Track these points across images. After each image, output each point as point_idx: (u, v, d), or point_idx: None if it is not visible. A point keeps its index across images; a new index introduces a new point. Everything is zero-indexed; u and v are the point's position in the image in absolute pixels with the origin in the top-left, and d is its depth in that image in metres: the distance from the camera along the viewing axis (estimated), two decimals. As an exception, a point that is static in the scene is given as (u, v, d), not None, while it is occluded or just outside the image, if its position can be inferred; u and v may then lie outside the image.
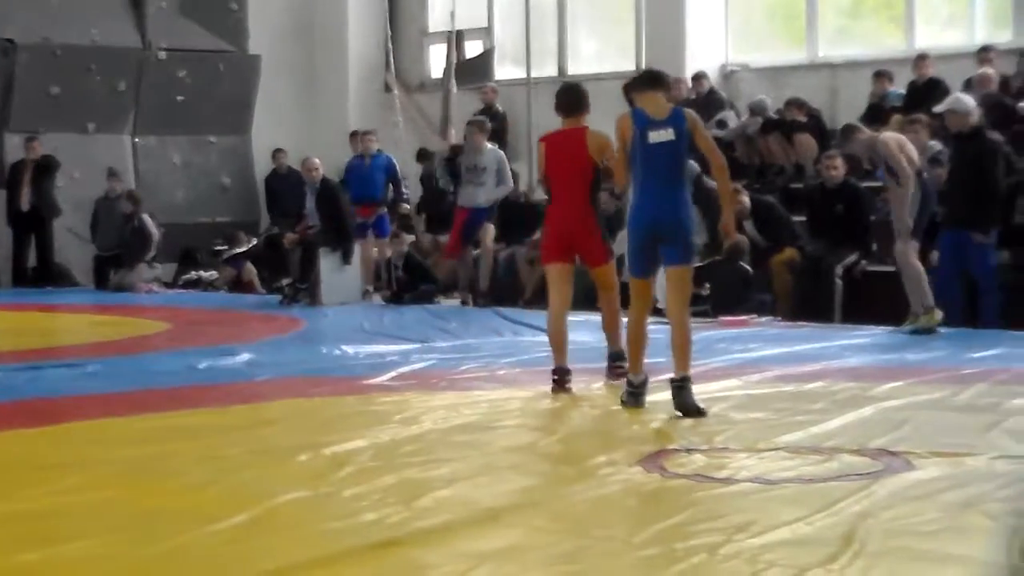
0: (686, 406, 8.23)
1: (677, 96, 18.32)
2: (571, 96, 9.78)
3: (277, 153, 21.99)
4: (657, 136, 8.59)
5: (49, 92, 21.10)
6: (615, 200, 12.06)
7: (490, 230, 16.40)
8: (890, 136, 12.41)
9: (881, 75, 16.64)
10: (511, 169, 16.62)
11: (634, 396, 8.60)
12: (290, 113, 23.34)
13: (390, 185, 17.89)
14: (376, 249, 17.63)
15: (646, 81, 8.91)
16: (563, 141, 9.70)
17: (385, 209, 17.75)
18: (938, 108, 13.23)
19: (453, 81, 20.36)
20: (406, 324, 14.13)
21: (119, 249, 20.29)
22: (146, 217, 20.06)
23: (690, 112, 8.83)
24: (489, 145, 15.58)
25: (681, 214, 8.52)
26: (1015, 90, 15.36)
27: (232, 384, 9.85)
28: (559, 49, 21.72)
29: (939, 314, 12.24)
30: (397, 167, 18.12)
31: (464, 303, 16.24)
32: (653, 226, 8.52)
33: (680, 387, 8.34)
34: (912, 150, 12.24)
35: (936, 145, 14.12)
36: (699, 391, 8.48)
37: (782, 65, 19.20)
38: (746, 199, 15.39)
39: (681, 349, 8.46)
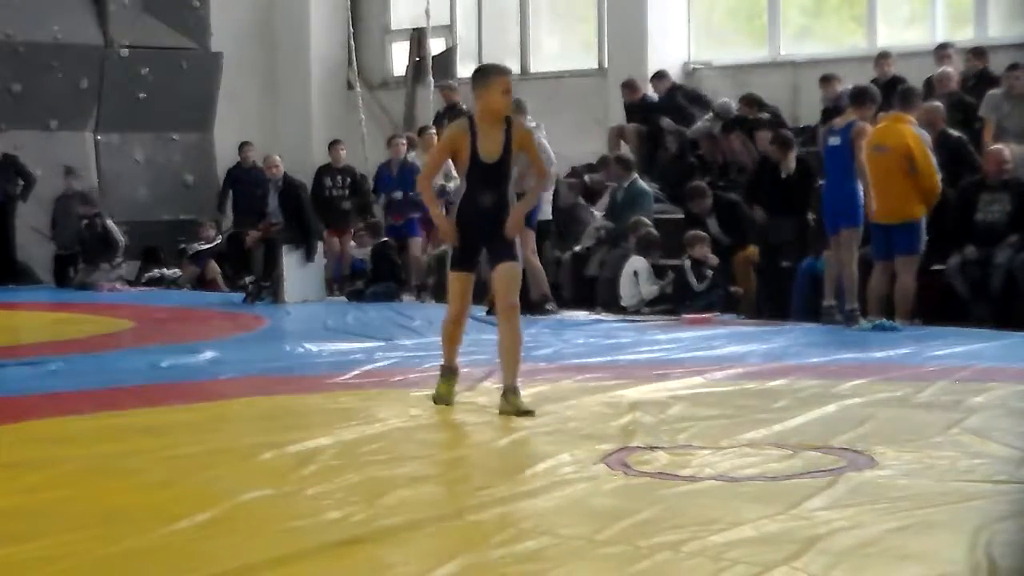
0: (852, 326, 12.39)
1: (635, 96, 18.34)
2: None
3: (244, 146, 21.36)
4: (832, 141, 12.53)
5: (11, 89, 20.98)
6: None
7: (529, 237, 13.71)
8: None
9: (829, 80, 16.35)
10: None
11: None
12: (253, 110, 23.24)
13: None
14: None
15: (848, 98, 12.96)
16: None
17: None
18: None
19: (430, 78, 20.22)
20: (369, 322, 14.11)
21: (79, 247, 20.20)
22: (111, 223, 19.96)
23: (859, 126, 12.23)
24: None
25: (845, 193, 12.31)
26: (970, 87, 15.36)
27: (195, 382, 9.82)
28: (521, 47, 21.69)
29: None
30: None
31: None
32: (830, 204, 12.54)
33: (827, 311, 12.69)
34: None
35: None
36: (661, 388, 8.58)
37: (744, 63, 19.22)
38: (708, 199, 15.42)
39: (851, 288, 12.47)
